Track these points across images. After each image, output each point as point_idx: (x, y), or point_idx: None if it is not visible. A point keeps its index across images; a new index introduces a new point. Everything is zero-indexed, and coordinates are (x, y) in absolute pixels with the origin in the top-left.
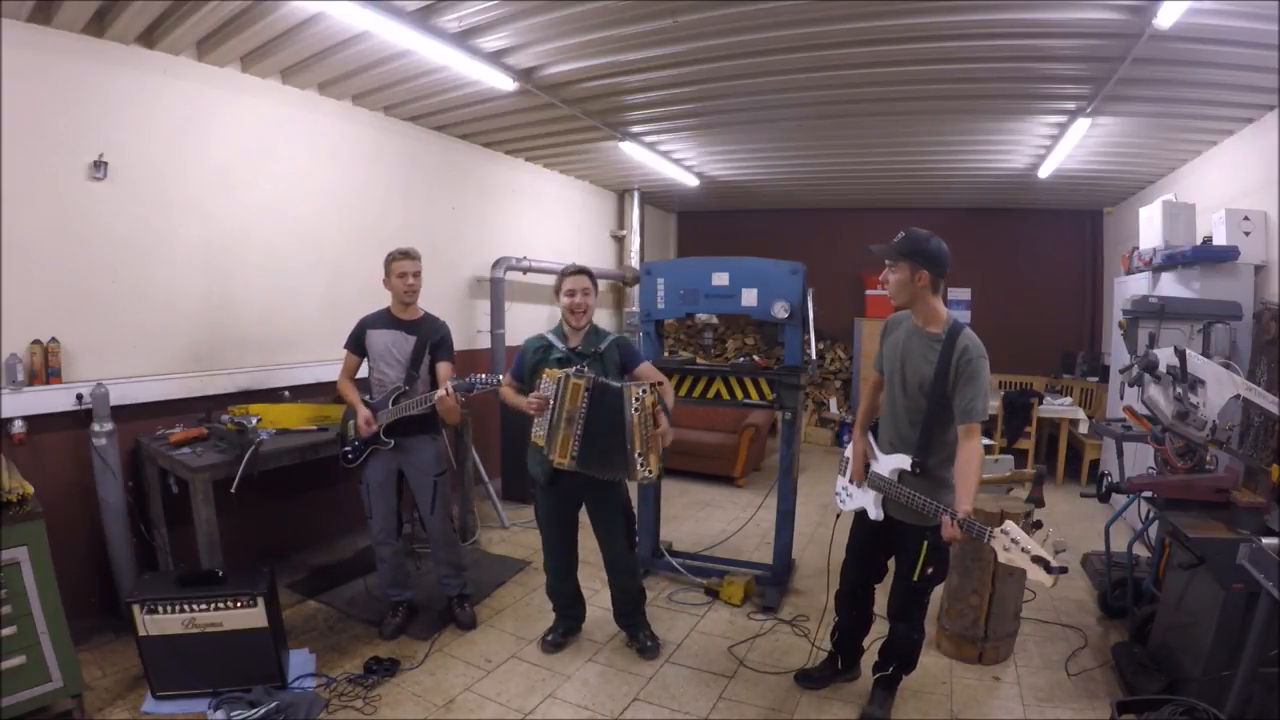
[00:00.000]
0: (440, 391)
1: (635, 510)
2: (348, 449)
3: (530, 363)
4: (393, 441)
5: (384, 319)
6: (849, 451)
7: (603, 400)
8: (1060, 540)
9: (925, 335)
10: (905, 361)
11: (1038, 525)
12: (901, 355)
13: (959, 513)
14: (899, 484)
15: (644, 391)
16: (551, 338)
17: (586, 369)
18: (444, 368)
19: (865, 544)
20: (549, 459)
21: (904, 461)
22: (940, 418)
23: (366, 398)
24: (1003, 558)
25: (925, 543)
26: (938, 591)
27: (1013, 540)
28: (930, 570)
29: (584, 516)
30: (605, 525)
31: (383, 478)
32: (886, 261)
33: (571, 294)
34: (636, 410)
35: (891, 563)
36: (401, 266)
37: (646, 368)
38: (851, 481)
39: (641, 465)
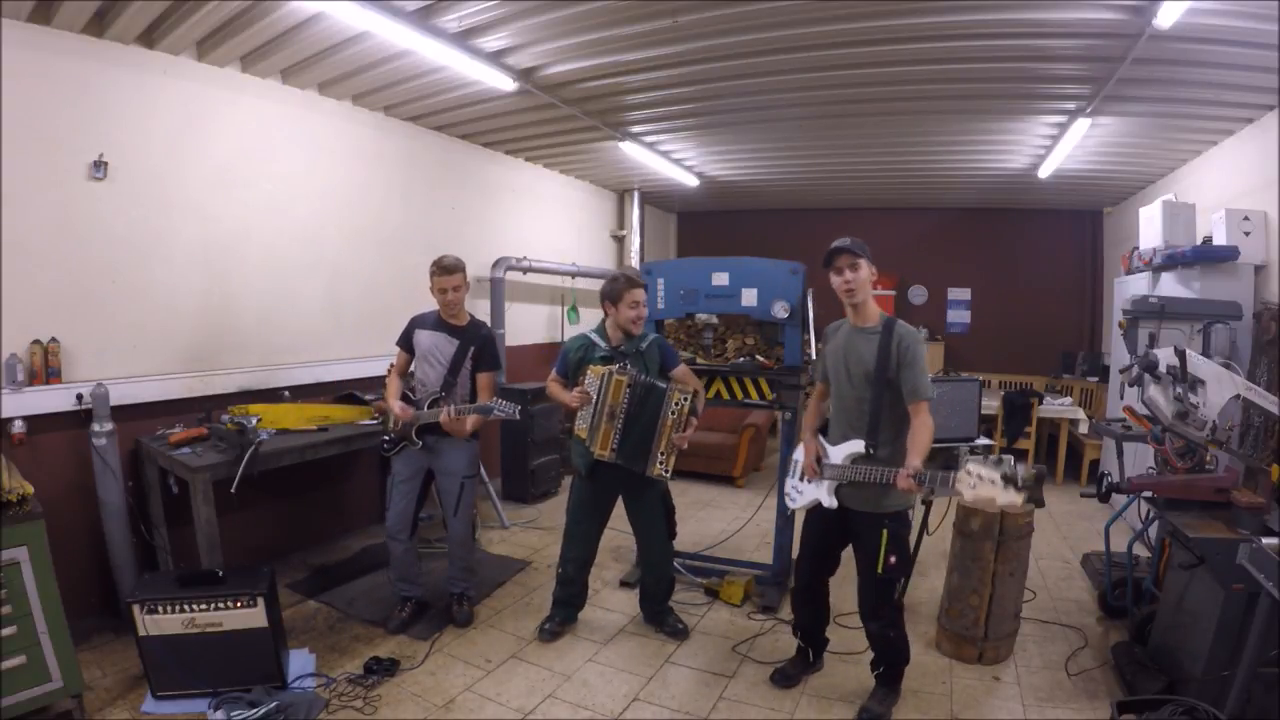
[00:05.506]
0: (442, 414)
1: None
2: (385, 439)
3: (574, 360)
4: (421, 442)
5: (433, 320)
6: (798, 454)
7: (646, 398)
8: (1040, 467)
9: (864, 331)
10: (849, 358)
11: (998, 460)
12: (844, 354)
13: (910, 468)
14: (854, 465)
15: (685, 398)
16: (594, 337)
17: (629, 366)
18: (484, 379)
19: (818, 539)
20: (590, 450)
21: (858, 445)
22: (885, 401)
23: (409, 393)
24: (970, 497)
25: (885, 531)
26: (936, 590)
27: (978, 476)
28: (893, 560)
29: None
30: (647, 515)
31: (410, 474)
32: (845, 261)
33: (635, 305)
34: (674, 414)
35: (847, 557)
36: (441, 283)
37: (683, 370)
38: (802, 479)
39: (660, 464)
